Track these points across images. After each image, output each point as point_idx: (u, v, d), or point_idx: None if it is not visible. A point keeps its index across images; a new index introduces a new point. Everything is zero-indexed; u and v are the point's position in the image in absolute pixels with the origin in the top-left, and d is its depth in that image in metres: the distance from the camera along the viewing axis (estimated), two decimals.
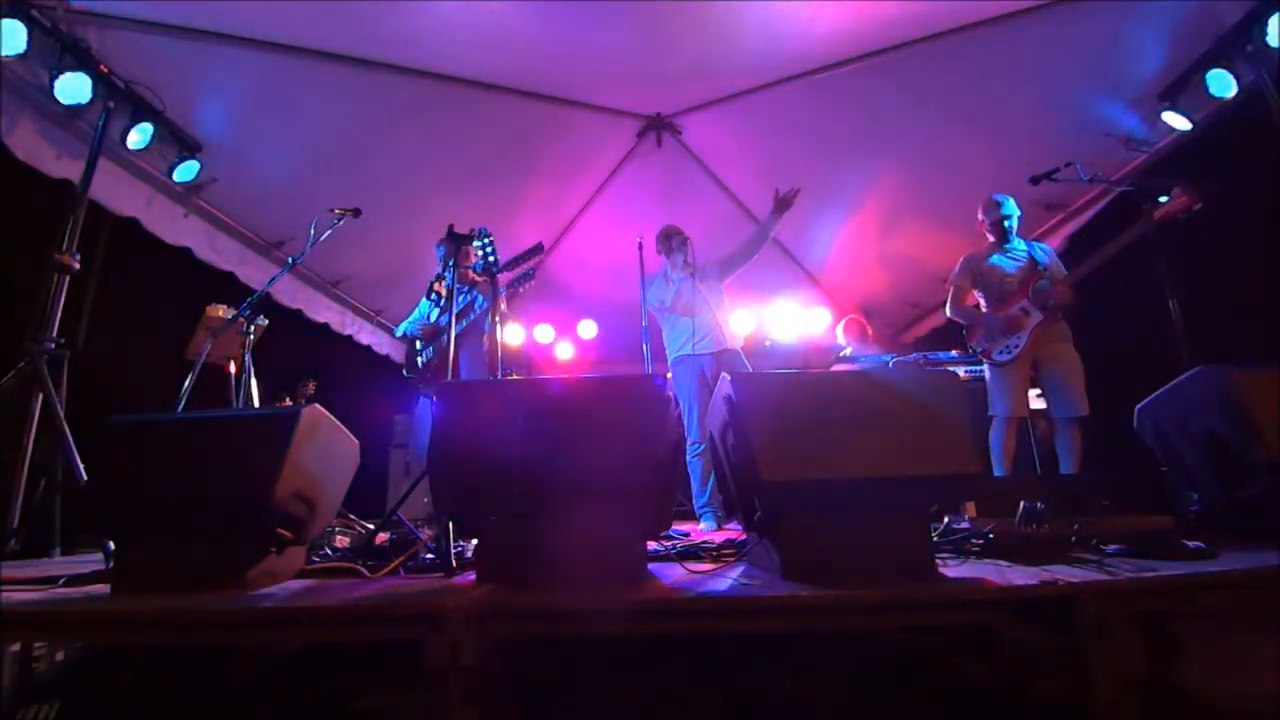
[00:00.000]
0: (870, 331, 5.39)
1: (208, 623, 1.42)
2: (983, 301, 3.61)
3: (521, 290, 3.37)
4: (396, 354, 6.18)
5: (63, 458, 2.26)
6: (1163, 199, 3.04)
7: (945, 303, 3.72)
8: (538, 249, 3.16)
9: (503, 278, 3.13)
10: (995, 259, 3.56)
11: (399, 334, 3.91)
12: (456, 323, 3.48)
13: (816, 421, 1.62)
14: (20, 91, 3.03)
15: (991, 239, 3.63)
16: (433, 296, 3.68)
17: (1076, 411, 3.25)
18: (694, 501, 3.67)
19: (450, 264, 2.75)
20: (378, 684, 1.61)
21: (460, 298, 3.61)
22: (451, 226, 2.72)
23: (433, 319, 3.75)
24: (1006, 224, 3.55)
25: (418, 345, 3.75)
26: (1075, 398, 3.26)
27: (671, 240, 3.91)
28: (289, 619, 1.43)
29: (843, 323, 5.37)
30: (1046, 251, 3.59)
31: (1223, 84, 3.35)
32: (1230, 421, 1.90)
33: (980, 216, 3.66)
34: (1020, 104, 3.95)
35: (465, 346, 3.55)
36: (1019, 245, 3.57)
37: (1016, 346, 3.36)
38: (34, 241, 2.64)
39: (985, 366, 3.55)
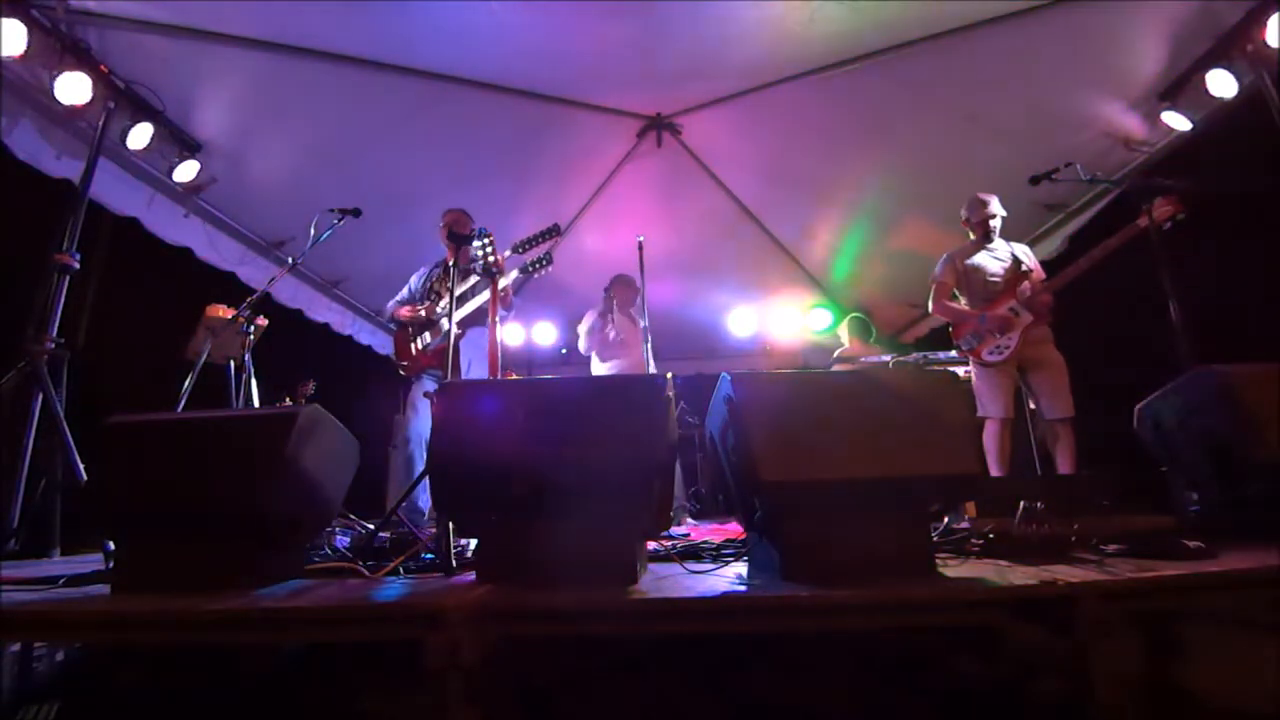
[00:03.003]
0: (873, 331, 5.40)
1: (208, 623, 1.42)
2: (964, 300, 3.60)
3: (538, 274, 3.30)
4: None
5: (63, 458, 2.25)
6: (1146, 206, 3.06)
7: (928, 299, 3.71)
8: (554, 230, 3.09)
9: (518, 259, 3.09)
10: (979, 258, 3.55)
11: (389, 317, 3.71)
12: (458, 306, 3.45)
13: (816, 421, 1.62)
14: (20, 91, 3.03)
15: (974, 237, 3.63)
16: (435, 286, 3.62)
17: (1067, 412, 3.26)
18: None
19: (453, 264, 2.74)
20: (378, 684, 1.61)
21: (462, 281, 3.53)
22: (452, 226, 2.72)
23: (422, 297, 3.62)
24: (991, 223, 3.55)
25: (410, 331, 3.58)
26: (1065, 398, 3.27)
27: (630, 289, 4.56)
28: (289, 619, 1.43)
29: (846, 320, 5.36)
30: (1026, 252, 3.59)
31: (1223, 84, 3.35)
32: (1230, 421, 1.91)
33: (964, 214, 3.66)
34: (1020, 104, 3.95)
35: (468, 334, 3.45)
36: (1001, 245, 3.57)
37: (1008, 348, 3.35)
38: (34, 241, 2.64)
39: (971, 365, 3.54)
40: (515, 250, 3.03)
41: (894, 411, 1.66)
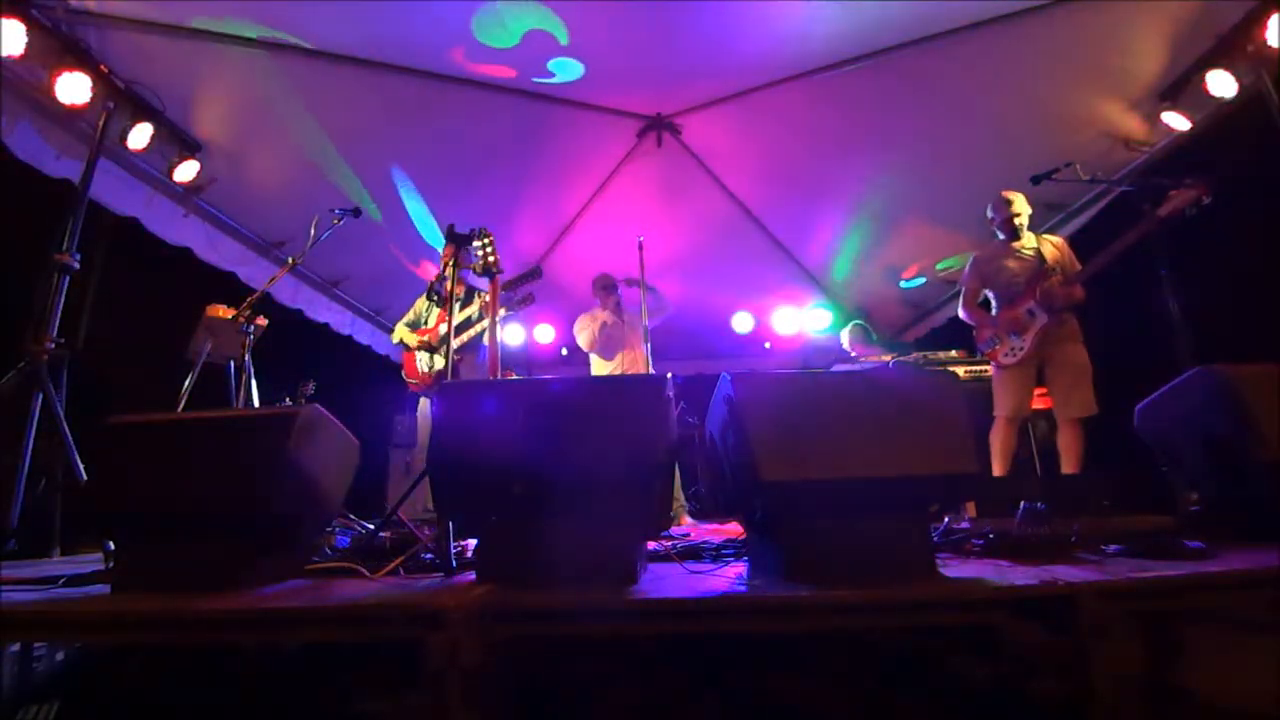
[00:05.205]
0: (875, 336, 5.43)
1: (207, 623, 1.42)
2: (994, 300, 3.61)
3: (520, 312, 3.50)
4: (396, 354, 6.18)
5: (63, 458, 2.25)
6: (1172, 191, 3.02)
7: (959, 305, 3.74)
8: (535, 273, 3.24)
9: (502, 297, 3.19)
10: (1003, 258, 3.55)
11: (396, 341, 3.98)
12: (455, 335, 3.58)
13: (816, 421, 1.62)
14: (20, 91, 3.03)
15: (1001, 237, 3.62)
16: (434, 297, 3.71)
17: (1084, 411, 3.25)
18: None
19: (453, 264, 2.75)
20: (378, 684, 1.61)
21: (461, 310, 3.68)
22: (452, 226, 2.72)
23: (429, 322, 3.79)
24: (1017, 221, 3.54)
25: (418, 356, 3.84)
26: (1082, 398, 3.26)
27: (610, 290, 4.70)
28: (289, 619, 1.43)
29: (848, 327, 5.39)
30: (1058, 245, 3.56)
31: (1223, 84, 3.35)
32: (1230, 421, 1.90)
33: (990, 214, 3.64)
34: (1020, 104, 3.95)
35: (464, 362, 3.66)
36: (1029, 242, 3.55)
37: (1021, 349, 3.36)
38: (34, 241, 2.64)
39: (992, 366, 3.56)
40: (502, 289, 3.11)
41: (894, 411, 1.65)
